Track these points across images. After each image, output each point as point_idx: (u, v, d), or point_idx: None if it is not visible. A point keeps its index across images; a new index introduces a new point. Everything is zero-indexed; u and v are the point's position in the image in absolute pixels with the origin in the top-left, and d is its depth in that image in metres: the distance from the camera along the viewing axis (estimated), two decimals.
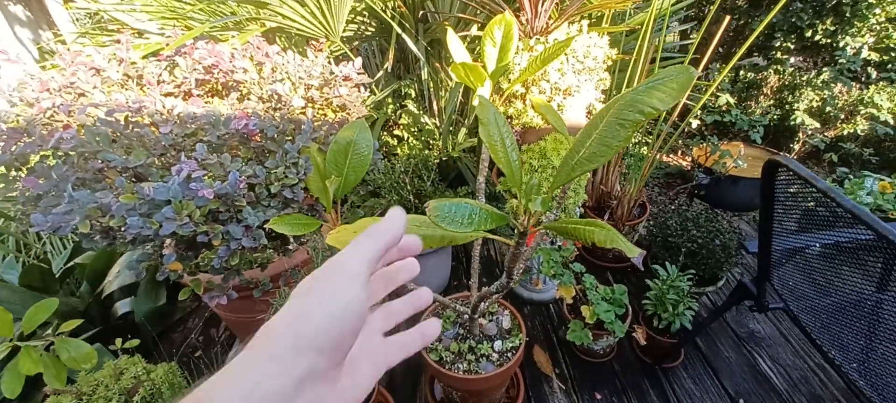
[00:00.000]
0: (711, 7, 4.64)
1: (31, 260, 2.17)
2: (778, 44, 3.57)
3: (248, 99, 1.20)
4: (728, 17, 1.89)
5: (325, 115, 1.23)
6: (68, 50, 1.34)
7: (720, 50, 4.59)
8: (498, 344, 1.46)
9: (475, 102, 1.18)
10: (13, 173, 1.07)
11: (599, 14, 1.87)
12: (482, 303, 1.41)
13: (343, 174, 1.04)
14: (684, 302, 1.57)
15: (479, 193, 1.38)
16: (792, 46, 3.54)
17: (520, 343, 1.45)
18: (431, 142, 2.70)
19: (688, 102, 3.56)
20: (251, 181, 0.97)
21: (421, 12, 2.31)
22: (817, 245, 1.09)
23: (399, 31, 2.04)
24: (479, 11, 1.96)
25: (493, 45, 1.20)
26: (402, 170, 1.84)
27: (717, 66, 3.84)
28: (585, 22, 1.51)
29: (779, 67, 3.68)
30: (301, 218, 0.94)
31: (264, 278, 1.19)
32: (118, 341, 1.47)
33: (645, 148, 3.91)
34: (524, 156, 1.55)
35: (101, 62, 1.23)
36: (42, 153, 0.98)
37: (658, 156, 3.94)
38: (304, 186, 1.07)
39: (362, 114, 1.29)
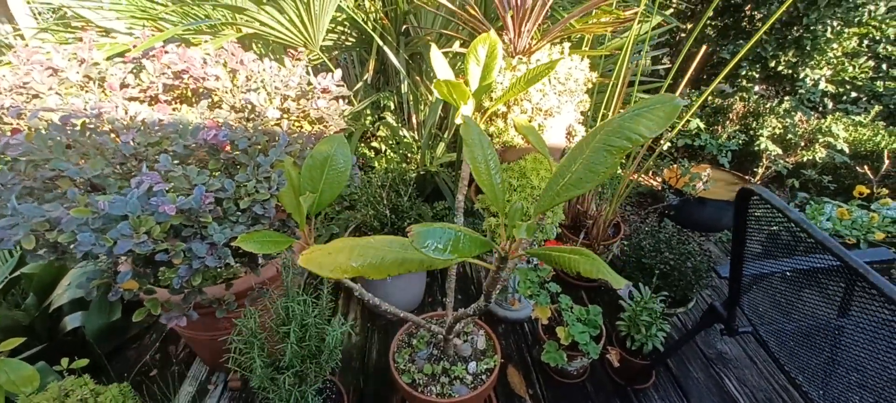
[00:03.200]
0: (689, 38, 4.83)
1: None
2: (744, 72, 3.73)
3: (220, 107, 1.14)
4: (704, 46, 1.95)
5: (301, 128, 1.19)
6: (26, 46, 1.25)
7: (690, 75, 4.79)
8: (472, 366, 1.43)
9: (457, 120, 1.17)
10: None
11: (580, 37, 1.90)
12: (457, 324, 1.38)
13: (318, 190, 1.00)
14: (657, 323, 1.58)
15: (458, 212, 1.36)
16: (757, 75, 3.71)
17: (494, 365, 1.42)
18: (409, 155, 2.67)
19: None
20: (219, 195, 0.92)
21: (404, 26, 2.30)
22: (786, 271, 1.11)
23: (380, 43, 2.02)
24: (461, 28, 1.96)
25: (476, 63, 1.19)
26: (379, 184, 1.80)
27: (688, 91, 3.98)
28: (567, 44, 1.52)
29: (744, 95, 3.84)
30: (271, 235, 0.89)
31: (228, 296, 1.13)
32: (64, 361, 1.37)
33: (618, 169, 3.99)
34: (504, 175, 1.54)
35: (60, 62, 1.15)
36: None
37: (631, 177, 4.03)
38: (276, 202, 1.02)
39: (341, 128, 1.25)
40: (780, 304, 1.19)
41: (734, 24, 4.00)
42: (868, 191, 2.27)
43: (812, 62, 3.40)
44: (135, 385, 1.74)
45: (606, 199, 2.04)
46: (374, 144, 2.72)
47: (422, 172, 2.53)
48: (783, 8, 1.80)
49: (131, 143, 0.91)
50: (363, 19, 2.18)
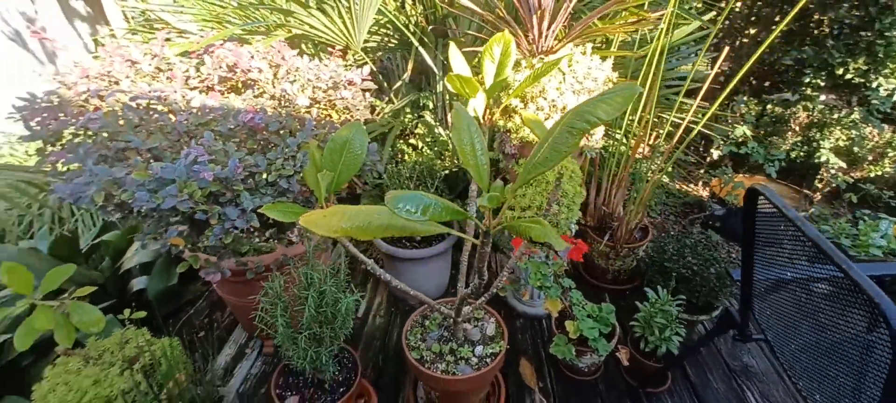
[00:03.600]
0: (742, 39, 4.58)
1: (63, 232, 2.34)
2: (808, 80, 3.49)
3: (262, 96, 1.30)
4: (727, 48, 1.89)
5: (329, 116, 1.32)
6: (117, 43, 1.49)
7: (753, 81, 4.52)
8: (479, 349, 1.50)
9: (468, 111, 1.25)
10: (49, 148, 1.20)
11: (609, 39, 1.91)
12: (466, 308, 1.45)
13: (337, 170, 1.12)
14: (672, 326, 1.57)
15: (472, 201, 1.44)
16: (822, 83, 3.46)
17: (500, 351, 1.48)
18: (444, 152, 2.78)
19: (708, 132, 3.53)
20: (251, 169, 1.06)
21: (441, 28, 2.41)
22: (793, 278, 1.09)
23: (417, 45, 2.14)
24: (493, 31, 2.04)
25: (491, 61, 1.27)
26: (407, 175, 1.91)
27: (744, 98, 3.78)
28: (589, 45, 1.56)
29: (808, 104, 3.59)
30: (292, 206, 1.02)
31: (259, 262, 1.28)
32: (126, 311, 1.60)
33: (665, 176, 3.88)
34: (519, 169, 1.60)
35: (137, 55, 1.36)
36: (72, 131, 1.11)
37: (677, 186, 3.89)
38: (301, 179, 1.16)
39: (364, 118, 1.38)
40: (787, 314, 1.16)
41: (801, 29, 3.76)
42: None
43: (885, 70, 3.12)
44: (185, 344, 1.97)
45: (632, 202, 2.03)
46: (412, 141, 2.85)
47: (454, 169, 2.62)
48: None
49: (184, 122, 1.08)
50: (404, 23, 2.31)
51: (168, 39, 1.54)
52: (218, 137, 1.06)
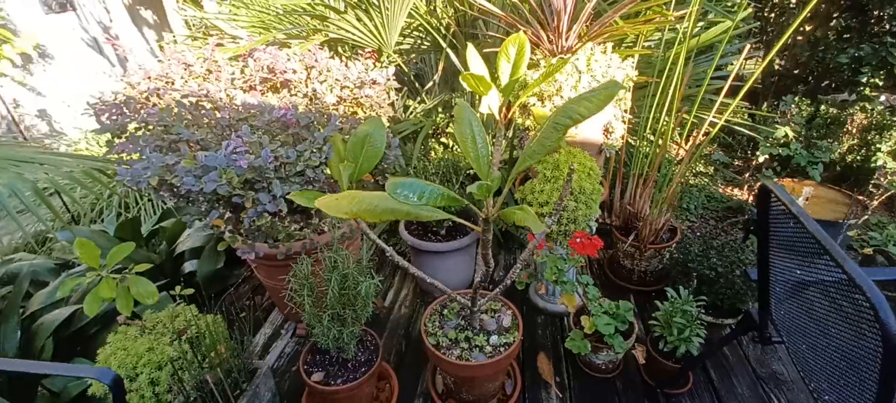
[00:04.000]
0: (796, 37, 4.34)
1: (127, 217, 2.61)
2: (865, 79, 3.27)
3: (296, 95, 1.43)
4: (748, 46, 1.83)
5: (355, 113, 1.43)
6: (176, 48, 1.68)
7: (810, 81, 4.26)
8: (494, 339, 1.55)
9: (482, 108, 1.32)
10: (115, 140, 1.38)
11: (633, 38, 1.91)
12: (482, 299, 1.51)
13: (358, 161, 1.22)
14: (692, 327, 1.55)
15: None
16: (881, 83, 3.23)
17: (514, 341, 1.53)
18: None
19: (752, 134, 3.38)
20: (283, 160, 1.18)
21: (470, 31, 2.49)
22: (801, 274, 1.07)
23: (445, 46, 2.22)
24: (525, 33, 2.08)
25: (507, 60, 1.33)
26: (433, 171, 2.00)
27: (794, 98, 3.59)
28: (610, 44, 1.58)
29: (866, 104, 3.36)
30: (316, 194, 1.13)
31: (289, 246, 1.40)
32: (177, 288, 1.78)
33: (704, 179, 3.76)
34: (538, 167, 1.64)
35: (191, 59, 1.53)
36: (134, 126, 1.27)
37: (720, 189, 3.74)
38: (326, 170, 1.27)
39: (388, 115, 1.48)
40: (799, 314, 1.13)
41: (860, 25, 3.52)
42: None
43: None
44: (227, 322, 2.15)
45: (656, 201, 2.01)
46: (443, 140, 2.94)
47: (471, 171, 2.69)
48: None
49: (227, 117, 1.22)
50: (435, 26, 2.41)
51: (220, 45, 1.71)
52: (254, 131, 1.19)
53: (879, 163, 2.79)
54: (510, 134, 2.22)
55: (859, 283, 0.74)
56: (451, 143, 2.88)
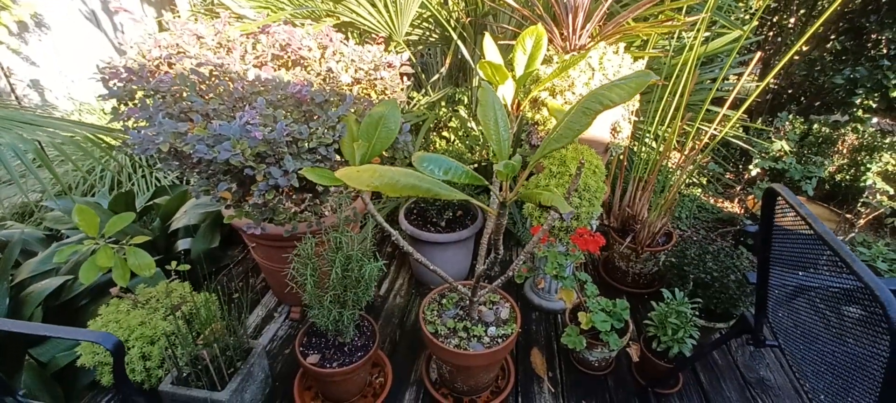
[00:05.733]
0: (793, 56, 4.44)
1: (121, 191, 2.56)
2: (859, 101, 3.35)
3: (309, 73, 1.42)
4: (759, 53, 1.86)
5: (369, 95, 1.43)
6: (184, 21, 1.65)
7: (802, 100, 4.36)
8: (491, 330, 1.56)
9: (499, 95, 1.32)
10: (122, 107, 1.36)
11: (645, 40, 1.93)
12: (482, 290, 1.52)
13: (371, 142, 1.22)
14: (686, 328, 1.58)
15: (495, 183, 1.50)
16: (874, 105, 3.31)
17: (512, 333, 1.54)
18: (475, 147, 2.85)
19: (746, 147, 3.45)
20: (295, 135, 1.17)
21: (481, 23, 2.49)
22: (803, 277, 1.10)
23: (455, 38, 2.22)
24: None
25: (523, 52, 1.34)
26: None
27: (788, 116, 3.67)
28: (622, 45, 1.60)
29: (858, 126, 3.44)
30: (328, 172, 1.13)
31: (295, 224, 1.40)
32: (173, 263, 1.76)
33: (696, 189, 3.81)
34: (545, 162, 1.66)
35: (203, 30, 1.51)
36: (143, 93, 1.25)
37: (712, 201, 3.80)
38: (337, 149, 1.26)
39: (402, 100, 1.48)
40: (801, 317, 1.16)
41: (855, 48, 3.61)
42: None
43: None
44: (220, 302, 2.12)
45: (655, 206, 2.04)
46: (445, 134, 2.94)
47: (483, 164, 2.69)
48: None
49: (240, 89, 1.21)
50: (446, 18, 2.41)
51: (229, 23, 1.69)
52: (268, 105, 1.18)
53: (869, 182, 2.86)
54: (515, 129, 2.23)
55: (867, 282, 0.76)
56: (452, 138, 2.88)
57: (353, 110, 1.32)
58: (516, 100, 1.35)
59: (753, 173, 3.37)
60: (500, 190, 0.89)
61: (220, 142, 1.07)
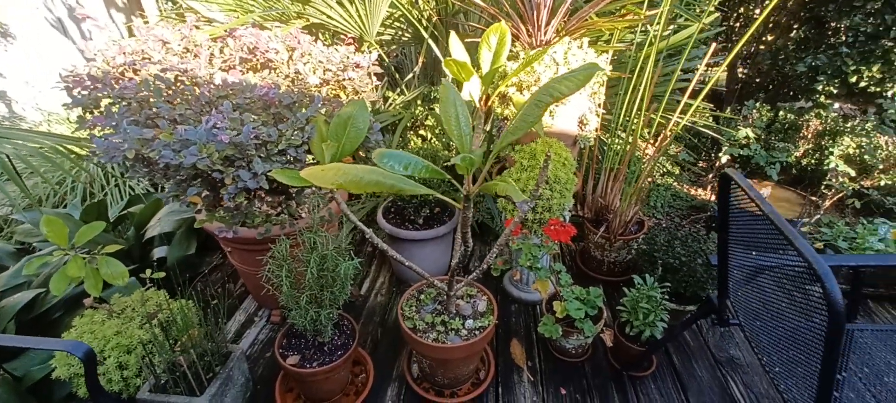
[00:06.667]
0: (758, 46, 4.57)
1: (93, 201, 2.52)
2: (821, 87, 3.48)
3: (278, 75, 1.43)
4: (714, 45, 1.94)
5: (339, 96, 1.44)
6: (151, 26, 1.64)
7: (770, 88, 4.50)
8: (469, 323, 1.59)
9: (464, 95, 1.35)
10: (88, 115, 1.35)
11: (608, 36, 1.98)
12: (458, 284, 1.55)
13: (341, 142, 1.23)
14: (656, 312, 1.63)
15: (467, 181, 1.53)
16: (835, 91, 3.44)
17: (488, 325, 1.57)
18: (452, 144, 2.88)
19: (716, 136, 3.55)
20: (263, 138, 1.18)
21: (452, 22, 2.52)
22: (756, 256, 1.15)
23: (426, 37, 2.24)
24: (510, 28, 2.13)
25: (488, 49, 1.36)
26: None
27: (755, 104, 3.78)
28: (586, 40, 1.64)
29: (821, 112, 3.57)
30: (295, 172, 1.14)
31: (269, 226, 1.40)
32: (148, 271, 1.74)
33: (670, 178, 3.90)
34: (516, 156, 1.69)
35: (169, 35, 1.50)
36: (108, 100, 1.25)
37: (685, 189, 3.90)
38: (308, 150, 1.27)
39: (372, 99, 1.49)
40: (755, 295, 1.22)
41: (816, 36, 3.74)
42: None
43: None
44: (199, 308, 2.11)
45: (626, 195, 2.09)
46: (422, 132, 2.96)
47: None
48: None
49: (207, 94, 1.21)
50: (417, 17, 2.43)
51: (197, 26, 1.68)
52: (235, 108, 1.18)
53: (831, 165, 2.97)
54: (488, 126, 2.26)
55: (807, 256, 0.81)
56: (429, 136, 2.90)
57: (323, 111, 1.33)
58: (484, 96, 1.38)
59: (723, 160, 3.48)
60: (463, 183, 0.92)
61: (187, 146, 1.07)
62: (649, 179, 3.72)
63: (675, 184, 3.87)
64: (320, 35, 2.30)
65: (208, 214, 1.26)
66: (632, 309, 1.69)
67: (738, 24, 4.65)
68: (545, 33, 1.64)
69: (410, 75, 2.73)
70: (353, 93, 1.46)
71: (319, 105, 1.24)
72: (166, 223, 2.24)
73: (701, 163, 4.30)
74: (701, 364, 1.81)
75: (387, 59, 2.33)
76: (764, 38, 4.40)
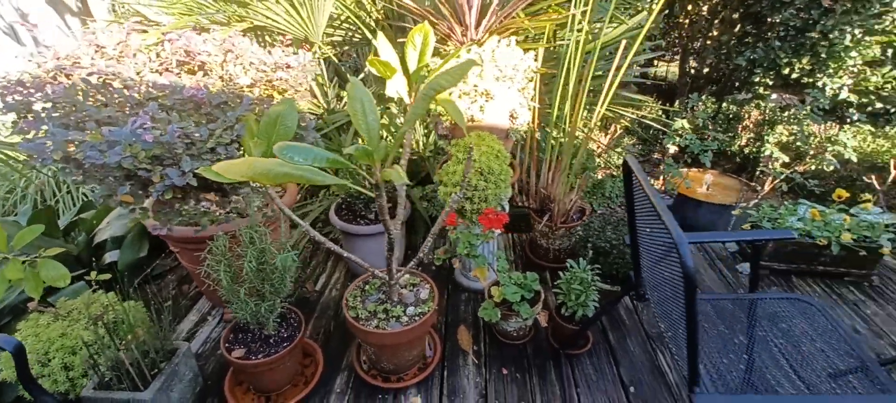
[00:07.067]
0: (705, 41, 4.74)
1: (41, 208, 2.50)
2: (758, 79, 3.69)
3: (212, 76, 1.47)
4: (624, 41, 2.06)
5: (272, 96, 1.49)
6: (92, 30, 1.66)
7: (717, 82, 4.72)
8: (410, 310, 1.67)
9: (388, 92, 1.43)
10: (21, 120, 1.36)
11: (540, 33, 2.08)
12: (397, 274, 1.63)
13: (270, 140, 1.29)
14: (588, 292, 1.74)
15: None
16: (771, 82, 3.65)
17: (428, 311, 1.65)
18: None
19: (661, 128, 3.72)
20: (194, 137, 1.23)
21: (398, 24, 2.59)
22: (649, 232, 1.26)
23: (370, 37, 2.31)
24: (439, 25, 2.21)
25: (414, 49, 1.44)
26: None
27: (699, 97, 3.98)
28: (514, 38, 1.74)
29: (760, 102, 3.79)
30: (213, 169, 1.19)
31: (205, 222, 1.45)
32: (92, 274, 1.76)
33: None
34: (452, 150, 1.77)
35: (104, 41, 1.53)
36: (40, 106, 1.27)
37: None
38: (240, 148, 1.33)
39: (307, 99, 1.55)
40: (656, 275, 1.33)
41: (755, 31, 3.96)
42: (848, 196, 2.27)
43: (828, 70, 3.32)
44: (152, 310, 2.13)
45: (565, 184, 2.20)
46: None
47: (414, 157, 2.80)
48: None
49: (135, 96, 1.25)
50: (365, 18, 2.49)
51: (138, 30, 1.71)
52: (163, 109, 1.23)
53: (767, 152, 3.16)
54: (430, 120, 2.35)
55: (672, 231, 0.91)
56: (385, 135, 2.97)
57: (257, 110, 1.38)
58: (412, 93, 1.45)
59: (671, 151, 3.65)
60: (370, 172, 0.99)
61: (113, 147, 1.12)
62: (606, 171, 3.87)
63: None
64: (267, 37, 2.34)
65: (141, 212, 1.30)
66: (566, 291, 1.79)
67: (687, 22, 4.87)
68: (476, 33, 1.72)
69: (362, 74, 2.79)
70: (288, 93, 1.52)
71: (249, 104, 1.29)
72: (117, 227, 2.24)
73: (656, 155, 4.50)
74: (634, 339, 1.93)
75: (337, 60, 2.38)
76: (710, 34, 4.61)
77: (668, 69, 6.45)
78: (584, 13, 1.73)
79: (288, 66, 1.51)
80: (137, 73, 1.34)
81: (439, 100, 1.44)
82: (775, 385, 1.19)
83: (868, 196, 2.37)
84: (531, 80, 1.75)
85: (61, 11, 4.21)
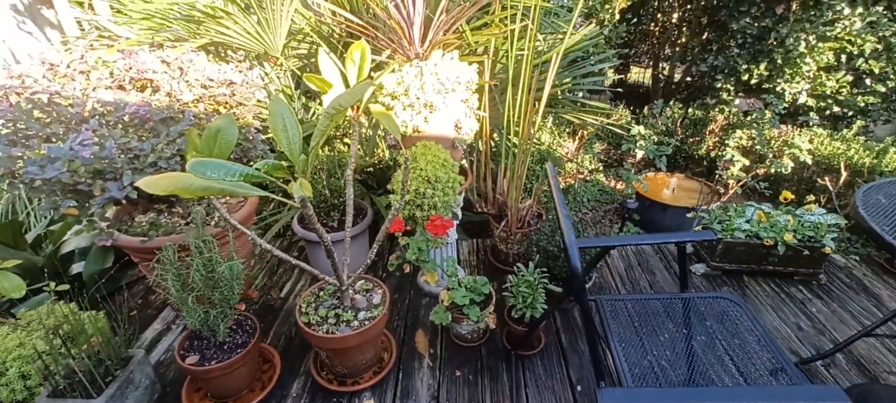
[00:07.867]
0: (675, 48, 4.87)
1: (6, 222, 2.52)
2: (719, 85, 3.80)
3: (158, 93, 1.53)
4: (556, 54, 2.14)
5: (217, 111, 1.55)
6: (51, 47, 1.71)
7: (687, 88, 4.84)
8: (361, 314, 1.72)
9: (324, 108, 1.49)
10: None
11: (486, 46, 2.15)
12: (348, 280, 1.68)
13: (211, 153, 1.35)
14: (535, 295, 1.80)
15: (348, 183, 1.67)
16: (731, 88, 3.77)
17: (378, 315, 1.70)
18: (375, 150, 3.02)
19: (622, 133, 3.82)
20: (137, 152, 1.28)
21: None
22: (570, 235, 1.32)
23: (330, 53, 2.37)
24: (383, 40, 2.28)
25: (353, 64, 1.51)
26: (318, 166, 2.14)
27: (663, 104, 4.09)
28: (456, 52, 1.81)
29: (723, 108, 3.90)
30: (151, 181, 1.24)
31: (152, 233, 1.50)
32: (51, 284, 1.80)
33: (599, 174, 4.14)
34: (401, 159, 1.84)
35: (55, 58, 1.59)
36: None
37: (611, 184, 4.13)
38: (182, 161, 1.38)
39: (254, 113, 1.61)
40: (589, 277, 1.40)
41: (718, 38, 4.08)
42: (793, 198, 2.35)
43: (785, 76, 3.43)
44: (116, 320, 2.16)
45: (513, 189, 2.27)
46: (347, 140, 3.09)
47: (380, 166, 2.86)
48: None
49: (79, 113, 1.30)
50: (327, 33, 2.56)
51: (110, 46, 1.77)
52: (106, 124, 1.28)
53: (727, 155, 3.26)
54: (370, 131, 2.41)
55: (564, 236, 0.98)
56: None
57: (202, 124, 1.44)
58: (356, 107, 1.52)
59: (638, 156, 3.75)
60: (290, 183, 1.05)
61: (53, 162, 1.17)
62: (579, 175, 3.96)
63: (604, 179, 4.14)
64: (231, 53, 2.40)
65: (88, 224, 1.35)
66: (515, 293, 1.86)
67: (657, 30, 5.00)
68: (421, 47, 1.80)
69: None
70: (235, 108, 1.58)
71: (190, 119, 1.35)
72: (82, 238, 2.28)
73: (630, 160, 4.60)
74: (585, 341, 1.99)
75: (299, 74, 2.45)
76: (679, 41, 4.74)
77: (644, 75, 6.59)
78: (524, 28, 1.80)
79: (231, 83, 1.57)
80: (83, 91, 1.39)
81: (375, 112, 1.51)
82: (685, 380, 1.26)
83: (811, 197, 2.45)
84: (474, 92, 1.82)
85: (41, 25, 4.25)
